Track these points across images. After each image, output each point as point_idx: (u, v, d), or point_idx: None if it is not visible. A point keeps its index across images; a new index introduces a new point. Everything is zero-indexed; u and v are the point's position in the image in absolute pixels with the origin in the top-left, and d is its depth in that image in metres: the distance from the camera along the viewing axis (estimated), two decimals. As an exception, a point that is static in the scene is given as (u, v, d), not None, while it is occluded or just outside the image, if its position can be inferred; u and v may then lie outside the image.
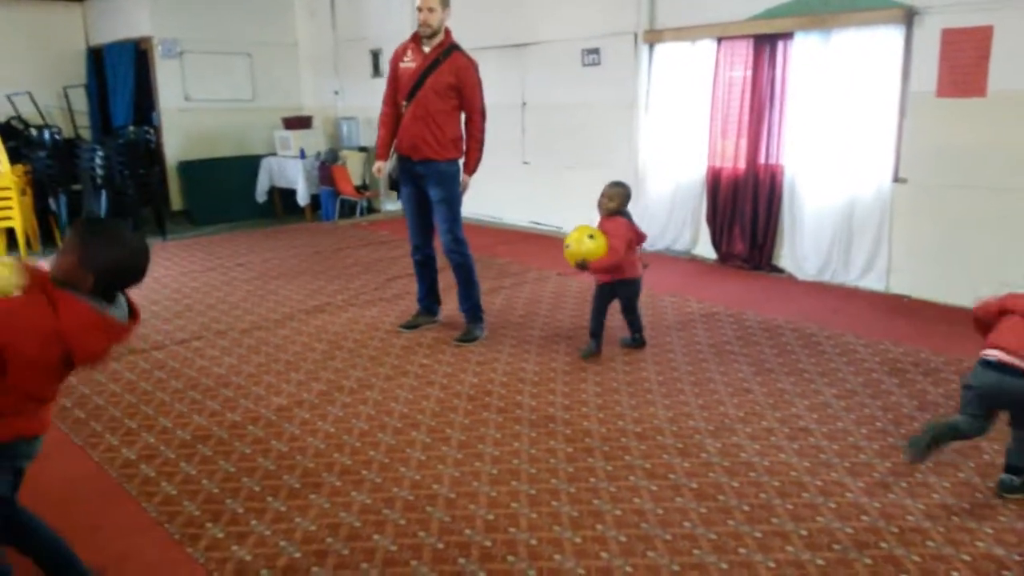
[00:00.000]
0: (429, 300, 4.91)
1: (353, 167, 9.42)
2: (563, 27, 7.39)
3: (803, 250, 5.93)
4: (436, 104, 4.40)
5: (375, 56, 9.65)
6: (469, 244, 4.65)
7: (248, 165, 10.01)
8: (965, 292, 5.10)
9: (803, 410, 3.57)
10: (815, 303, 5.32)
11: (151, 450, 3.28)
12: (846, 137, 5.60)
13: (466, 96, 4.44)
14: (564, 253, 4.14)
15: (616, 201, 4.24)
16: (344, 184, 9.06)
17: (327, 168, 9.11)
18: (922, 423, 3.33)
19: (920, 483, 2.90)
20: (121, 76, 10.42)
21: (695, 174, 6.57)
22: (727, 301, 5.33)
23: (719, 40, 6.23)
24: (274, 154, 10.02)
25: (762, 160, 6.10)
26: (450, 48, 4.42)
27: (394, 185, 4.86)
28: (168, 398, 3.83)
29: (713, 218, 6.47)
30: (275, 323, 5.01)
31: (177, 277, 6.28)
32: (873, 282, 5.61)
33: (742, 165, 6.22)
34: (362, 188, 9.49)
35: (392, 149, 4.65)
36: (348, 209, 9.44)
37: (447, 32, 4.45)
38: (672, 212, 6.77)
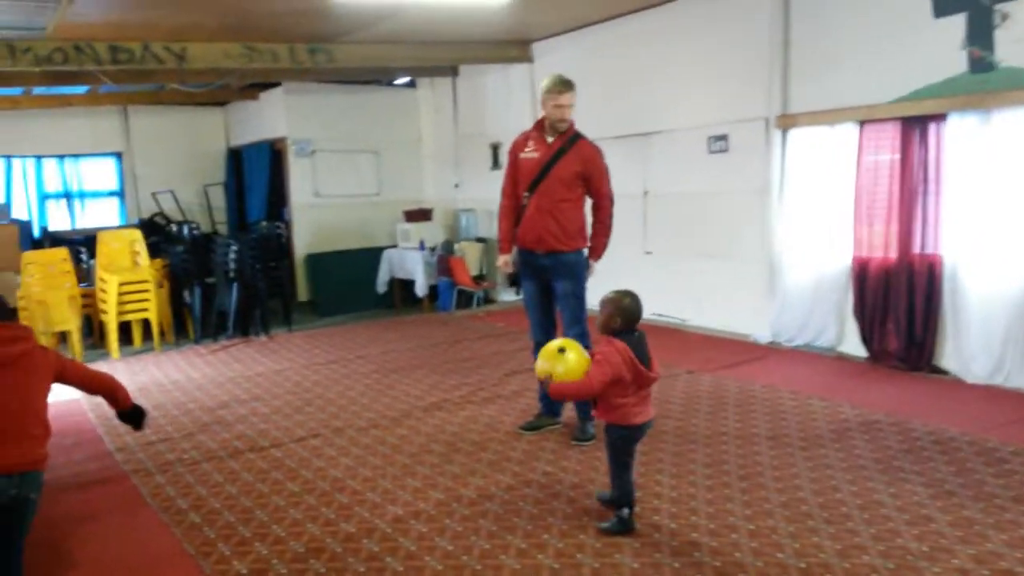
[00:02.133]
0: (552, 400, 4.61)
1: (470, 258, 9.40)
2: (689, 115, 7.18)
3: (970, 349, 5.28)
4: (562, 194, 4.27)
5: (494, 149, 9.74)
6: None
7: (371, 257, 10.19)
8: None
9: (1001, 546, 3.00)
10: (991, 411, 4.66)
11: (263, 563, 3.08)
12: (1015, 223, 5.02)
13: (594, 183, 4.33)
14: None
15: (604, 315, 3.19)
16: (461, 275, 9.02)
17: (445, 259, 9.11)
18: None
19: None
20: (257, 174, 10.99)
21: (838, 264, 6.07)
22: (886, 407, 4.76)
23: (861, 123, 5.82)
24: (395, 246, 10.17)
25: (917, 249, 5.55)
26: (575, 136, 4.33)
27: (514, 280, 4.66)
28: (283, 503, 3.66)
29: (861, 312, 5.91)
30: (392, 421, 4.83)
31: (300, 370, 6.27)
32: (1058, 387, 4.90)
33: (893, 254, 5.68)
34: (479, 279, 9.43)
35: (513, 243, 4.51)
36: (465, 300, 9.37)
37: (571, 121, 4.35)
38: (814, 305, 6.25)
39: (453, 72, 10.29)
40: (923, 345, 5.54)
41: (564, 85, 4.25)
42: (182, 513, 3.60)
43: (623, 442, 3.23)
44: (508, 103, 9.44)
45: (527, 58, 9.04)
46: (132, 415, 3.33)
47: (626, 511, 3.21)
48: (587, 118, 8.11)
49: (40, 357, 2.69)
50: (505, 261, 4.51)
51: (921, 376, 5.47)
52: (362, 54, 8.16)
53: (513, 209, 4.45)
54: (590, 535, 3.19)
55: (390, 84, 10.90)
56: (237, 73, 8.97)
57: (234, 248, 7.84)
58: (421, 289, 9.46)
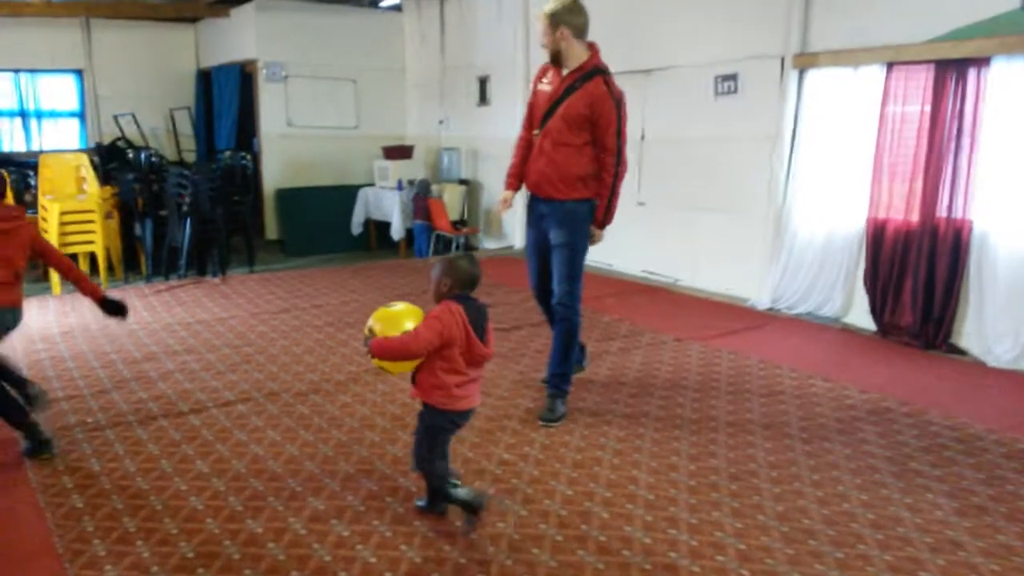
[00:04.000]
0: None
1: (452, 201, 8.72)
2: (695, 50, 6.44)
3: (995, 329, 4.68)
4: (564, 136, 3.72)
5: (482, 83, 8.98)
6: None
7: (346, 195, 9.51)
8: None
9: (1047, 587, 2.44)
10: (1019, 403, 4.09)
11: (140, 571, 2.50)
12: (1062, 189, 4.38)
13: (599, 131, 3.69)
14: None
15: (433, 279, 2.70)
16: (440, 219, 8.35)
17: (422, 200, 8.42)
18: None
19: None
20: (227, 99, 10.19)
21: (852, 225, 5.44)
22: (899, 392, 4.18)
23: (889, 66, 5.12)
24: (372, 184, 9.48)
25: (943, 212, 4.91)
26: (591, 73, 3.69)
27: None
28: (186, 487, 3.07)
29: (874, 280, 5.30)
30: (337, 386, 4.23)
31: (246, 319, 5.64)
32: (1093, 376, 4.33)
33: (915, 217, 5.05)
34: (459, 224, 8.77)
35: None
36: (443, 246, 8.73)
37: (593, 52, 3.74)
38: (821, 269, 5.63)
39: (442, -6, 9.44)
40: (941, 321, 4.95)
41: (542, 14, 3.69)
42: (64, 495, 3.01)
43: (441, 431, 2.73)
44: (499, 33, 8.64)
45: (522, -19, 8.21)
46: (112, 306, 3.50)
47: (444, 506, 2.81)
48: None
49: (26, 230, 3.30)
50: (505, 198, 3.99)
51: (937, 356, 4.89)
52: (336, -33, 7.32)
53: (525, 142, 3.97)
54: (546, 550, 2.62)
55: (373, 5, 10.03)
56: (200, -16, 8.14)
57: (188, 179, 7.14)
58: (397, 232, 8.82)
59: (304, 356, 4.75)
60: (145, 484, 3.10)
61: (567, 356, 3.88)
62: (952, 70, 4.81)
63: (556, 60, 3.75)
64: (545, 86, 3.83)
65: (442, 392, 2.65)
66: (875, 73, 5.21)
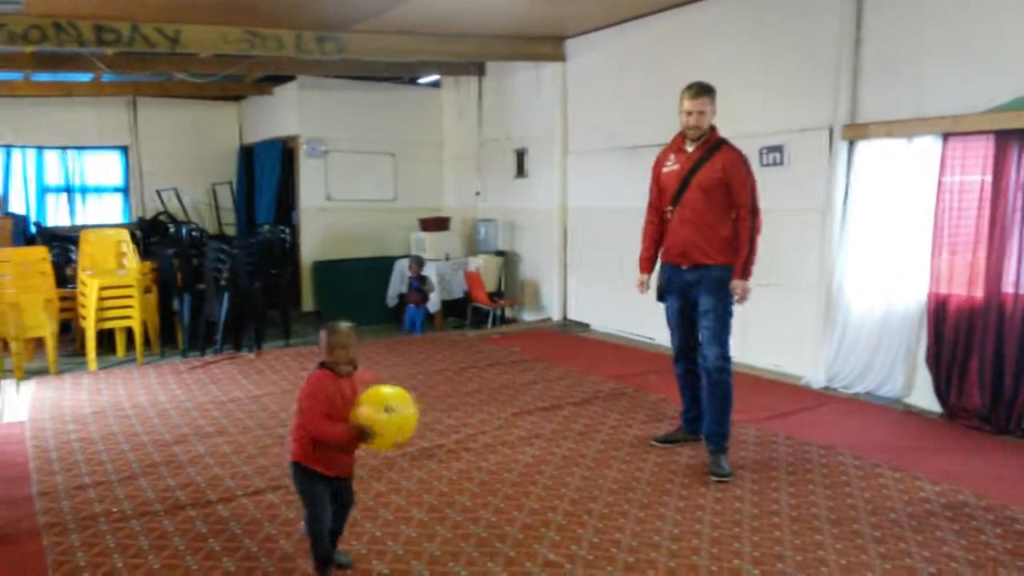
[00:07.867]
0: (694, 412, 4.40)
1: (488, 272, 8.62)
2: (738, 122, 6.24)
3: (1076, 413, 4.36)
4: (704, 204, 4.08)
5: (519, 156, 8.97)
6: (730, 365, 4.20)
7: (384, 267, 9.46)
8: None
9: None
10: (1110, 496, 3.75)
11: None
12: None
13: (734, 191, 4.04)
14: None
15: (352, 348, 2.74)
16: (477, 291, 8.23)
17: (415, 278, 8.26)
18: None
19: None
20: (267, 174, 10.34)
21: (911, 300, 5.17)
22: (974, 483, 3.85)
23: (945, 137, 4.93)
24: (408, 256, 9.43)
25: (1009, 287, 4.64)
26: (717, 143, 4.14)
27: (662, 295, 4.39)
28: (210, 588, 2.87)
29: (937, 359, 5.00)
30: (370, 472, 4.01)
31: (280, 396, 5.48)
32: None
33: (979, 292, 4.78)
34: (496, 295, 8.65)
35: (659, 259, 4.37)
36: (481, 318, 8.58)
37: (713, 128, 4.18)
38: (879, 347, 5.35)
39: (479, 71, 9.55)
40: (1013, 403, 4.62)
41: (689, 90, 4.11)
42: (80, 596, 2.83)
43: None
44: (537, 106, 8.67)
45: (560, 56, 8.26)
46: None
47: None
48: (627, 124, 7.32)
49: None
50: (642, 281, 4.40)
51: (1010, 441, 4.55)
52: (377, 45, 7.43)
53: (656, 227, 4.35)
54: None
55: (413, 82, 10.18)
56: (244, 63, 8.31)
57: (227, 253, 7.14)
58: (433, 305, 8.70)
59: (338, 439, 4.57)
60: (166, 585, 2.91)
61: (724, 415, 4.11)
62: (1015, 140, 4.61)
63: (699, 137, 4.10)
64: (672, 166, 4.20)
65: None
66: (930, 144, 5.03)
